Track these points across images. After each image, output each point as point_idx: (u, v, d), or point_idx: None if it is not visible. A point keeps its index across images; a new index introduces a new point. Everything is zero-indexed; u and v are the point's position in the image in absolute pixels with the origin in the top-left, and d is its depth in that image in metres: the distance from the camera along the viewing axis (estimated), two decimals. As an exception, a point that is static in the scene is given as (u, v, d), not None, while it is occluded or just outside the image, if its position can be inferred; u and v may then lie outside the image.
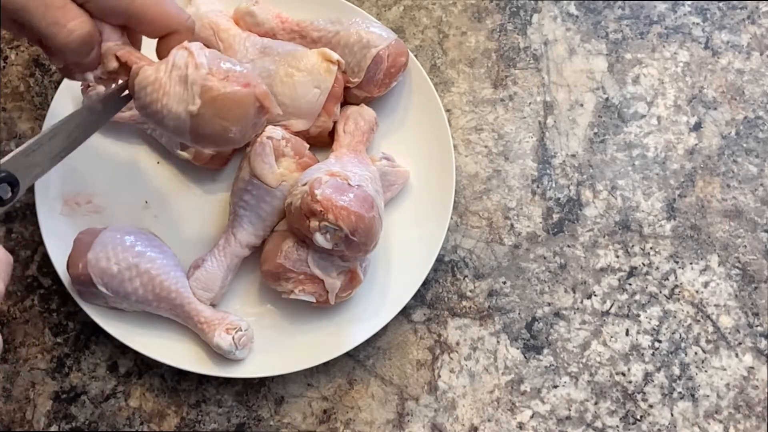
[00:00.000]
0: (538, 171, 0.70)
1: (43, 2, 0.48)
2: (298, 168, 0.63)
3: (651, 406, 0.65)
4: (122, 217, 0.65)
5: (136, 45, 0.55)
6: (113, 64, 0.53)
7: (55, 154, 0.54)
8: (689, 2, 0.75)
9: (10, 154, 0.52)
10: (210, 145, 0.54)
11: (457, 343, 0.66)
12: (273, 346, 0.63)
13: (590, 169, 0.70)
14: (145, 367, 0.65)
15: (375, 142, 0.68)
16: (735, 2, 0.75)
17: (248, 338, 0.62)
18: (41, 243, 0.64)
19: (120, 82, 0.55)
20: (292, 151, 0.63)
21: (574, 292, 0.67)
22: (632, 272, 0.68)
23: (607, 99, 0.72)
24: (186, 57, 0.51)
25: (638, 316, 0.67)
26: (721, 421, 0.65)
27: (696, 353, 0.66)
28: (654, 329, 0.67)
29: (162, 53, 0.53)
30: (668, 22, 0.74)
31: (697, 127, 0.72)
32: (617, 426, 0.65)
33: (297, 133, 0.64)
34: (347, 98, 0.67)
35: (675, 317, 0.67)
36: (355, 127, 0.65)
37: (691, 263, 0.68)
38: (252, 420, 0.64)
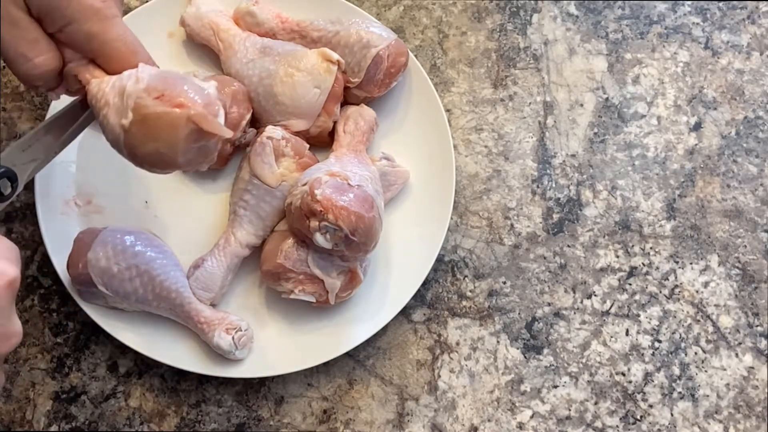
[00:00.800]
0: (538, 171, 0.70)
1: (17, 32, 0.49)
2: (298, 168, 0.63)
3: (651, 406, 0.65)
4: (122, 217, 0.65)
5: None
6: (75, 87, 0.52)
7: (52, 147, 0.54)
8: (689, 2, 0.75)
9: (7, 149, 0.52)
10: (149, 167, 0.51)
11: (457, 343, 0.66)
12: (273, 346, 0.63)
13: (590, 169, 0.70)
14: (145, 367, 0.65)
15: (375, 142, 0.68)
16: (735, 2, 0.75)
17: (248, 338, 0.62)
18: (41, 243, 0.64)
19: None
20: (292, 151, 0.63)
21: (574, 292, 0.67)
22: (632, 272, 0.68)
23: (607, 99, 0.72)
24: (133, 72, 0.49)
25: (638, 316, 0.67)
26: (721, 421, 0.65)
27: (696, 353, 0.66)
28: (654, 329, 0.67)
29: None
30: (668, 22, 0.74)
31: (697, 127, 0.72)
32: (617, 426, 0.65)
33: (297, 133, 0.64)
34: (347, 98, 0.67)
35: (675, 317, 0.67)
36: (355, 127, 0.65)
37: (691, 263, 0.68)
38: (252, 420, 0.64)
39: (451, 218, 0.67)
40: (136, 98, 0.47)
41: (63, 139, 0.55)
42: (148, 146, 0.48)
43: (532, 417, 0.65)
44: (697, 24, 0.74)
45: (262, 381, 0.65)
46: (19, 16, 0.49)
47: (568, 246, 0.68)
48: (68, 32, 0.50)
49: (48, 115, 0.65)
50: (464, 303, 0.67)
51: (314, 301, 0.61)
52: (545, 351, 0.66)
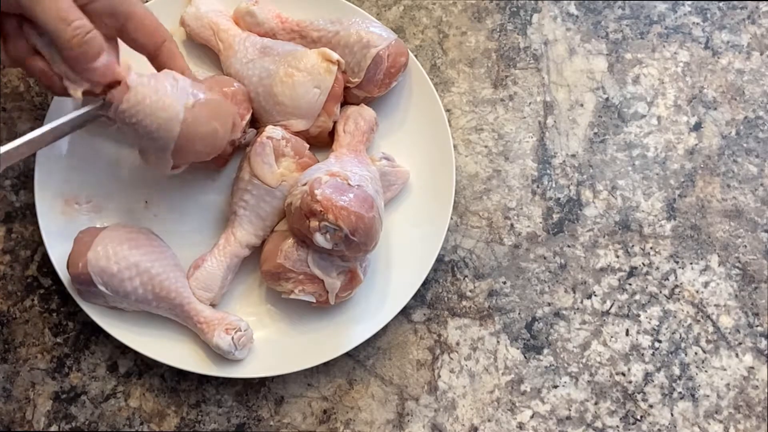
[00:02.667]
0: (538, 171, 0.70)
1: (52, 2, 0.51)
2: (298, 168, 0.63)
3: (651, 406, 0.65)
4: (122, 217, 0.65)
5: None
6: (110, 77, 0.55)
7: (32, 150, 0.56)
8: (689, 2, 0.75)
9: None
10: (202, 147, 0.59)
11: (457, 343, 0.66)
12: (273, 346, 0.63)
13: (590, 169, 0.70)
14: (145, 367, 0.65)
15: (375, 142, 0.68)
16: (735, 2, 0.75)
17: (248, 338, 0.62)
18: (41, 243, 0.64)
19: (98, 102, 0.56)
20: (292, 151, 0.63)
21: (574, 292, 0.67)
22: (632, 272, 0.68)
23: (607, 99, 0.72)
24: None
25: (638, 316, 0.67)
26: (721, 421, 0.65)
27: (696, 353, 0.66)
28: (654, 329, 0.67)
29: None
30: (668, 22, 0.74)
31: (697, 127, 0.72)
32: (617, 426, 0.65)
33: (297, 133, 0.64)
34: (347, 98, 0.67)
35: (675, 317, 0.67)
36: (355, 127, 0.65)
37: (691, 263, 0.68)
38: (252, 420, 0.64)
39: (451, 218, 0.67)
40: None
41: (49, 141, 0.57)
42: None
43: (532, 417, 0.65)
44: (697, 24, 0.74)
45: (262, 381, 0.65)
46: None
47: (568, 246, 0.68)
48: (94, 6, 0.53)
49: (47, 115, 0.65)
50: (464, 303, 0.67)
51: (314, 301, 0.61)
52: (545, 351, 0.66)
